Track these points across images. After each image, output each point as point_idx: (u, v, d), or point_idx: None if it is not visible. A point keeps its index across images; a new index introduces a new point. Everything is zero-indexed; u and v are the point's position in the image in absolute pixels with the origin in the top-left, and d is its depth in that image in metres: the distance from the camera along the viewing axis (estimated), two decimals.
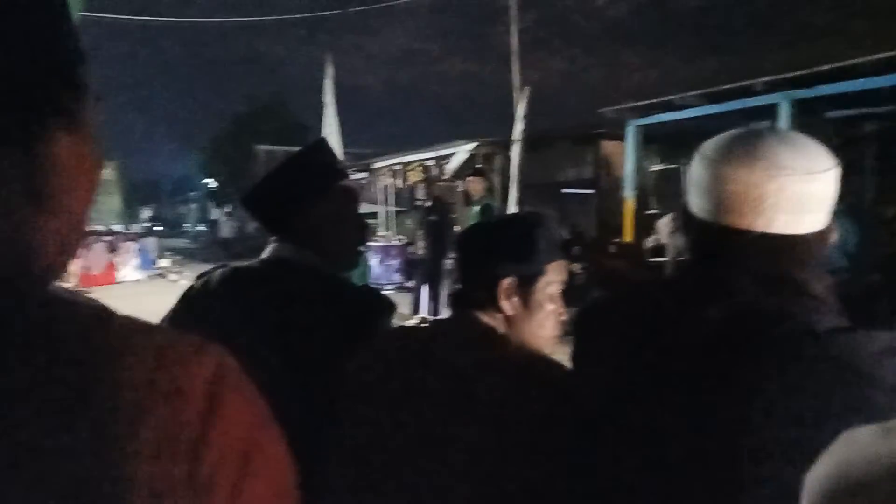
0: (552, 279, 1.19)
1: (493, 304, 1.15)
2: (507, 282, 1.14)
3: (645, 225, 10.03)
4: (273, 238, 1.48)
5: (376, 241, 13.06)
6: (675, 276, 1.06)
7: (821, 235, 0.92)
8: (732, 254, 0.91)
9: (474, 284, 1.18)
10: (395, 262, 12.25)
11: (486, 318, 1.15)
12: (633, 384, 0.95)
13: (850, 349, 0.81)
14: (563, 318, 1.22)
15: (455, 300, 1.21)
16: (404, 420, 1.09)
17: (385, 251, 12.35)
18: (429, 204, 8.72)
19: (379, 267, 12.29)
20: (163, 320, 1.37)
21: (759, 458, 0.80)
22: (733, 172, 0.90)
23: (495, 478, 1.00)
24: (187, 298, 1.44)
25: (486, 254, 1.18)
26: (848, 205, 5.07)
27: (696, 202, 0.96)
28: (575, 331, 1.11)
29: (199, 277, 1.50)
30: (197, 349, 0.49)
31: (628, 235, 10.38)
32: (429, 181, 10.96)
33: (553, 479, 0.99)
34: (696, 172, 0.96)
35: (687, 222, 1.00)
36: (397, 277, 12.21)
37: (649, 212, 10.35)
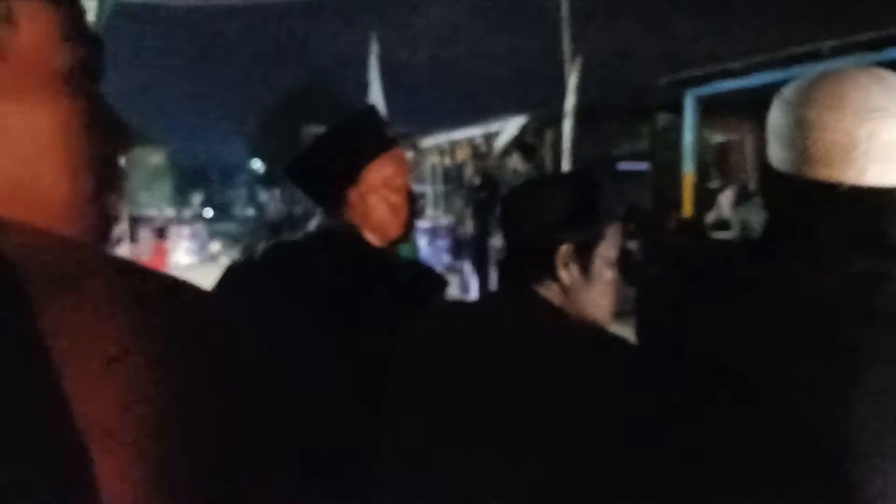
0: (611, 244, 1.10)
1: (549, 274, 1.06)
2: (564, 248, 1.05)
3: (706, 199, 9.67)
4: (320, 210, 1.45)
5: (424, 221, 12.94)
6: (753, 243, 0.95)
7: None
8: (820, 211, 0.83)
9: (527, 253, 1.08)
10: (444, 243, 12.11)
11: (542, 291, 1.07)
12: (714, 359, 0.87)
13: None
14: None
15: (506, 272, 1.12)
16: (457, 407, 1.02)
17: (433, 232, 12.24)
18: (477, 182, 8.58)
19: (427, 247, 12.17)
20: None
21: (868, 431, 0.75)
22: (818, 117, 0.82)
23: (555, 467, 0.93)
24: (230, 273, 1.41)
25: (540, 218, 1.07)
26: None
27: (777, 154, 0.89)
28: (644, 305, 1.06)
29: (251, 255, 1.48)
30: None
31: (688, 211, 10.00)
32: (477, 158, 10.76)
33: (625, 466, 0.90)
34: (775, 120, 0.89)
35: (766, 177, 0.92)
36: (446, 258, 12.07)
37: (710, 186, 9.97)
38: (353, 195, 1.37)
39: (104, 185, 0.52)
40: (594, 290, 1.08)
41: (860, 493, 0.74)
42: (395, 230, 1.43)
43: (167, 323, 0.44)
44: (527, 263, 1.08)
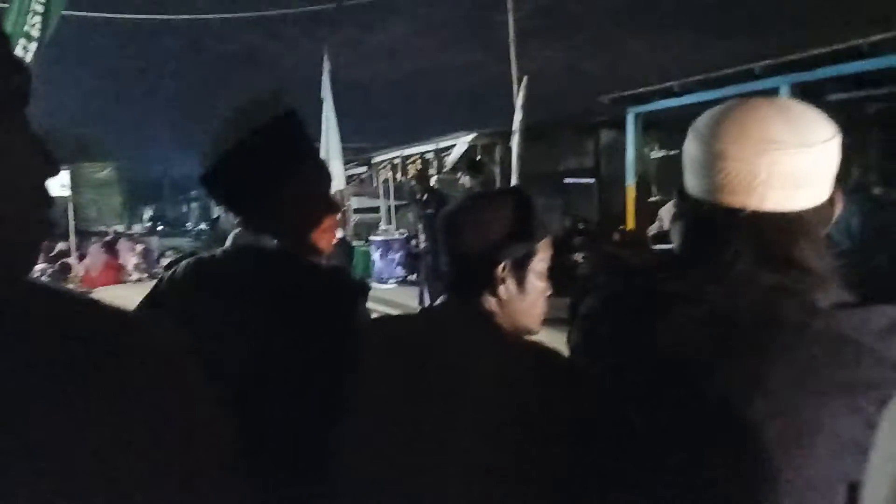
0: (542, 257, 1.16)
1: (488, 289, 1.11)
2: (502, 265, 1.10)
3: (647, 213, 10.00)
4: (237, 221, 1.36)
5: (378, 235, 13.03)
6: (671, 259, 1.00)
7: (820, 210, 0.88)
8: (727, 234, 0.88)
9: (468, 269, 1.12)
10: (397, 256, 12.22)
11: (482, 303, 1.12)
12: (634, 375, 0.94)
13: (853, 325, 0.78)
14: (549, 296, 1.19)
15: (450, 287, 1.16)
16: (408, 418, 1.05)
17: (387, 245, 12.32)
18: (424, 198, 8.69)
19: (381, 261, 12.26)
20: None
21: (760, 439, 0.79)
22: (723, 149, 0.86)
23: (505, 474, 0.96)
24: (153, 297, 1.35)
25: (480, 237, 1.11)
26: (852, 187, 5.03)
27: (690, 181, 0.94)
28: (573, 317, 1.09)
29: (167, 268, 1.41)
30: None
31: (631, 224, 10.34)
32: (421, 175, 10.90)
33: (566, 474, 0.96)
34: (688, 150, 0.94)
35: (681, 202, 0.97)
36: (400, 271, 12.18)
37: (651, 199, 10.32)
38: (271, 208, 1.30)
39: (32, 210, 0.52)
40: (527, 301, 1.13)
41: (768, 483, 0.78)
42: (313, 243, 1.37)
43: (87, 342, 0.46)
44: (468, 278, 1.12)
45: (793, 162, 0.84)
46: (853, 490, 0.77)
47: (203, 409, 0.53)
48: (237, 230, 1.35)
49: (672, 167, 11.54)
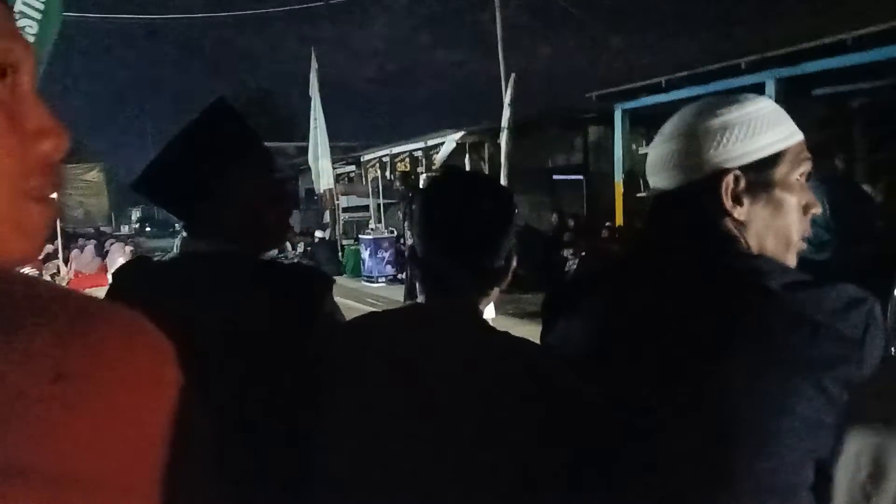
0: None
1: (482, 288, 1.09)
2: (492, 263, 1.08)
3: (636, 208, 10.05)
4: (182, 225, 1.26)
5: (367, 234, 13.02)
6: (639, 248, 1.05)
7: (690, 190, 0.93)
8: (657, 216, 1.00)
9: (466, 270, 1.08)
10: (387, 255, 12.22)
11: (468, 299, 1.09)
12: (602, 362, 0.95)
13: (808, 303, 0.80)
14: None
15: (433, 282, 1.11)
16: (384, 413, 1.02)
17: (376, 244, 12.31)
18: (411, 195, 8.70)
19: (371, 259, 12.26)
20: None
21: (725, 423, 0.80)
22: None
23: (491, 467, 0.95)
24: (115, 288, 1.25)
25: (477, 245, 1.07)
26: (837, 179, 5.07)
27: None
28: (546, 312, 1.10)
29: (115, 276, 1.32)
30: None
31: (619, 219, 10.39)
32: (407, 174, 10.90)
33: (551, 468, 0.95)
34: None
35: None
36: (389, 269, 12.18)
37: (640, 194, 10.37)
38: (209, 210, 1.21)
39: (35, 193, 0.48)
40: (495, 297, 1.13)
41: (737, 465, 0.79)
42: (262, 240, 1.29)
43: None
44: (466, 278, 1.07)
45: (654, 151, 0.98)
46: (821, 467, 0.79)
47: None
48: (183, 235, 1.29)
49: None
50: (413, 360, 1.04)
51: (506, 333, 1.08)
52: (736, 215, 0.90)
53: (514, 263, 1.10)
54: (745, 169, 0.90)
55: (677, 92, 9.32)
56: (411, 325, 1.10)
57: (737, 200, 0.90)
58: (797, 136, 0.93)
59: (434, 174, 12.26)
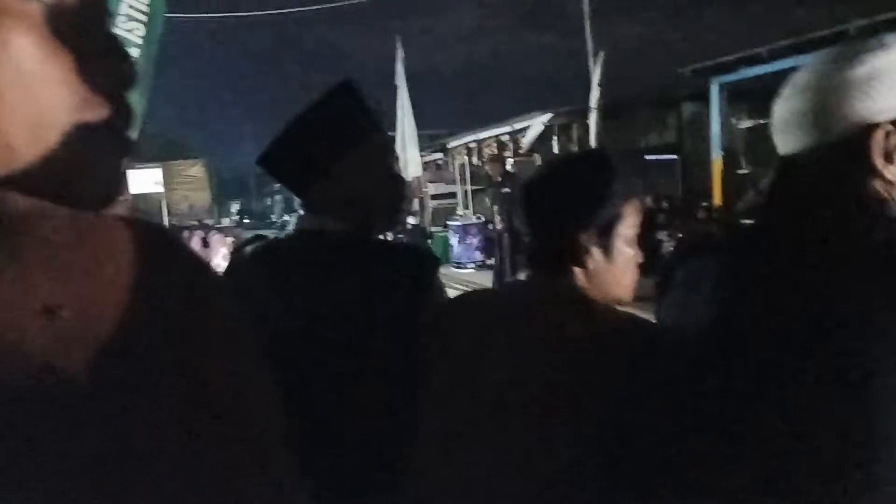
0: (630, 223, 1.07)
1: (574, 260, 1.05)
2: (585, 235, 1.04)
3: (736, 186, 9.60)
4: (301, 203, 1.32)
5: (455, 220, 13.06)
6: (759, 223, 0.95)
7: (831, 150, 0.83)
8: (780, 181, 0.90)
9: (551, 241, 1.07)
10: (475, 241, 12.21)
11: (568, 277, 1.06)
12: (728, 335, 0.88)
13: None
14: (640, 261, 1.11)
15: (534, 261, 1.11)
16: (497, 393, 1.02)
17: (464, 230, 12.33)
18: (499, 179, 8.66)
19: (459, 246, 12.29)
20: None
21: (873, 398, 0.74)
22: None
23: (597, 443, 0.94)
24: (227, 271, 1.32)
25: (559, 206, 1.06)
26: None
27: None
28: (662, 286, 1.04)
29: (233, 252, 1.40)
30: None
31: (717, 198, 9.94)
32: (495, 158, 10.83)
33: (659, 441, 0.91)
34: None
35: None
36: (478, 255, 12.17)
37: (740, 171, 9.88)
38: (332, 186, 1.25)
39: (100, 125, 0.43)
40: (617, 270, 1.07)
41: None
42: (376, 222, 1.32)
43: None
44: (551, 253, 1.07)
45: (784, 106, 0.87)
46: None
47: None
48: (301, 212, 1.31)
49: (763, 137, 10.99)
50: (513, 331, 1.05)
51: (606, 307, 1.06)
52: (889, 176, 0.80)
53: (618, 242, 1.06)
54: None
55: (782, 62, 8.79)
56: (511, 299, 1.13)
57: (889, 159, 0.80)
58: None
59: (521, 158, 12.19)
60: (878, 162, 0.80)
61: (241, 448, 0.48)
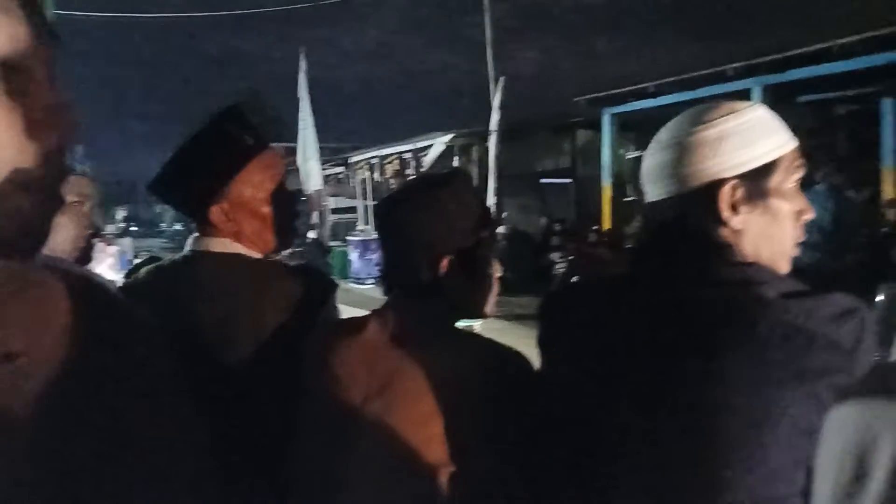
0: (490, 248, 1.14)
1: (437, 283, 1.06)
2: (448, 259, 1.06)
3: (623, 212, 10.11)
4: (194, 226, 1.32)
5: (355, 235, 12.99)
6: (635, 253, 1.03)
7: (686, 199, 0.92)
8: (641, 224, 0.98)
9: (413, 265, 1.08)
10: (375, 257, 12.20)
11: (435, 301, 1.08)
12: (592, 364, 0.94)
13: (804, 313, 0.79)
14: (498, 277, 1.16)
15: (396, 284, 1.14)
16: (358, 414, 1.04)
17: (364, 245, 12.29)
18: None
19: (359, 261, 12.23)
20: None
21: (719, 433, 0.80)
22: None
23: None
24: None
25: (423, 233, 1.08)
26: (822, 186, 5.12)
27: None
28: (542, 316, 1.07)
29: (127, 275, 1.37)
30: None
31: (607, 223, 10.44)
32: (397, 174, 10.92)
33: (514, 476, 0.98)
34: None
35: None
36: (377, 271, 12.15)
37: (627, 199, 10.42)
38: (220, 212, 1.25)
39: (35, 184, 0.47)
40: (479, 289, 1.12)
41: (730, 473, 0.79)
42: (270, 242, 1.32)
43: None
44: (414, 274, 1.08)
45: (648, 160, 0.97)
46: (810, 473, 0.78)
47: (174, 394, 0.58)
48: (195, 234, 1.31)
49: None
50: (375, 364, 1.06)
51: (475, 338, 1.11)
52: (733, 224, 0.90)
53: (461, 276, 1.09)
54: (741, 178, 0.90)
55: (665, 97, 9.40)
56: (382, 327, 1.10)
57: (734, 209, 0.89)
58: (791, 143, 0.93)
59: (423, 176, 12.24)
60: (725, 213, 0.89)
61: (173, 481, 0.52)
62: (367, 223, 14.35)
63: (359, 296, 10.69)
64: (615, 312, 0.95)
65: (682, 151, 0.92)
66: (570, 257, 9.80)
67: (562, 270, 9.78)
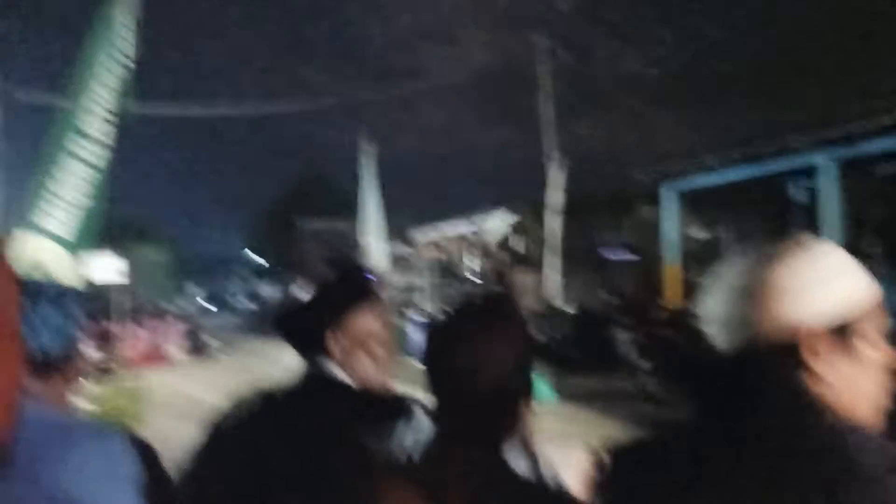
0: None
1: (494, 427, 1.07)
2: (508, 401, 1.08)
3: (690, 292, 9.77)
4: (304, 357, 1.48)
5: (416, 313, 13.01)
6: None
7: (774, 348, 0.83)
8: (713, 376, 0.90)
9: (470, 406, 1.05)
10: None
11: (492, 449, 1.05)
12: None
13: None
14: None
15: (445, 423, 1.10)
16: None
17: (424, 326, 12.27)
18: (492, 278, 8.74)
19: (417, 337, 12.20)
20: (191, 455, 1.35)
21: None
22: None
23: None
24: (218, 432, 1.40)
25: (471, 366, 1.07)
26: None
27: None
28: (611, 476, 0.95)
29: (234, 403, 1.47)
30: None
31: (670, 302, 10.12)
32: (484, 253, 10.99)
33: None
34: None
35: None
36: None
37: (694, 279, 10.10)
38: (334, 344, 1.44)
39: None
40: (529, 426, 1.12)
41: None
42: (376, 380, 1.48)
43: None
44: (467, 419, 1.05)
45: (710, 305, 0.89)
46: None
47: None
48: (308, 365, 1.47)
49: (712, 249, 11.12)
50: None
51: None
52: (822, 376, 0.82)
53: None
54: (825, 326, 0.82)
55: (729, 172, 9.17)
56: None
57: (821, 360, 0.81)
58: (873, 287, 0.86)
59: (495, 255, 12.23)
60: (813, 364, 0.81)
61: None
62: (431, 301, 14.39)
63: (414, 372, 10.57)
64: (690, 478, 0.84)
65: (753, 297, 0.85)
66: (636, 337, 9.50)
67: (631, 353, 9.45)
